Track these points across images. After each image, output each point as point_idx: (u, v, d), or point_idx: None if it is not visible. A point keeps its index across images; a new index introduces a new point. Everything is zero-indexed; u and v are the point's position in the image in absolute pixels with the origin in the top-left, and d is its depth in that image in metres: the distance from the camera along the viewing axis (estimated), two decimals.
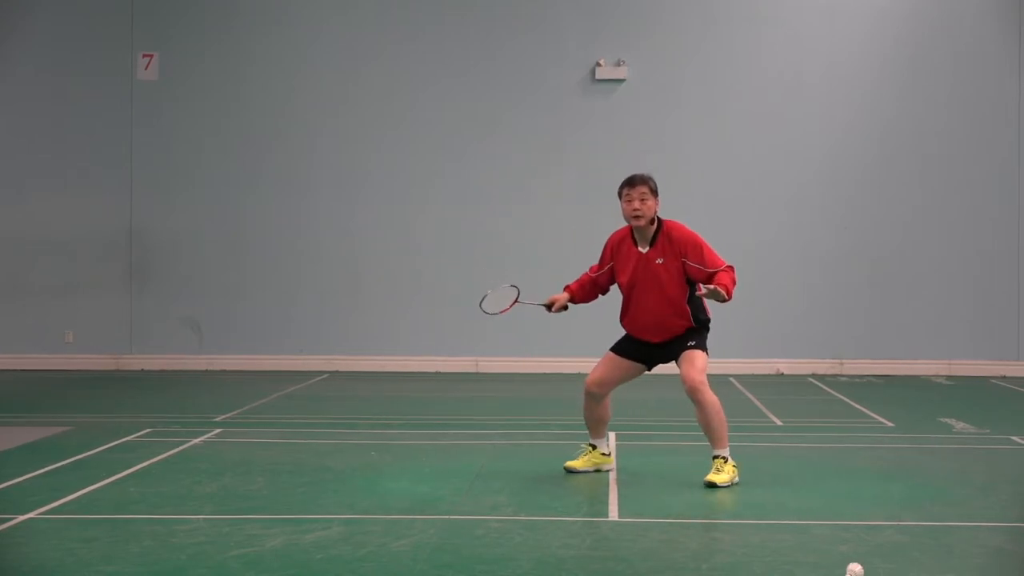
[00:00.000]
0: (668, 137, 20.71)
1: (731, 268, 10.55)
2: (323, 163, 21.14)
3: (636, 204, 10.49)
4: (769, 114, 20.88)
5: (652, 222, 10.59)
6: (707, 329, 10.75)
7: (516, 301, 11.03)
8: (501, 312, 11.10)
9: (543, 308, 10.98)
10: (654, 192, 10.56)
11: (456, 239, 20.92)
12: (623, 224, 10.78)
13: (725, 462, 10.53)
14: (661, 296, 10.53)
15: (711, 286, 10.26)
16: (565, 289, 11.01)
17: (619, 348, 10.91)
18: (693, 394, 10.44)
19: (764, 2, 21.01)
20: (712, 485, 10.37)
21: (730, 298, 10.29)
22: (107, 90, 21.13)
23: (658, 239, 10.58)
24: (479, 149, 21.03)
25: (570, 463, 11.10)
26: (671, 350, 10.68)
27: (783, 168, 20.82)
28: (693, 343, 10.59)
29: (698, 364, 10.50)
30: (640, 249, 10.63)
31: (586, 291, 10.98)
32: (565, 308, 11.00)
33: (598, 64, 20.86)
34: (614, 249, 10.83)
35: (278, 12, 21.22)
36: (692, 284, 10.58)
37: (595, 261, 11.02)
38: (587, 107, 20.92)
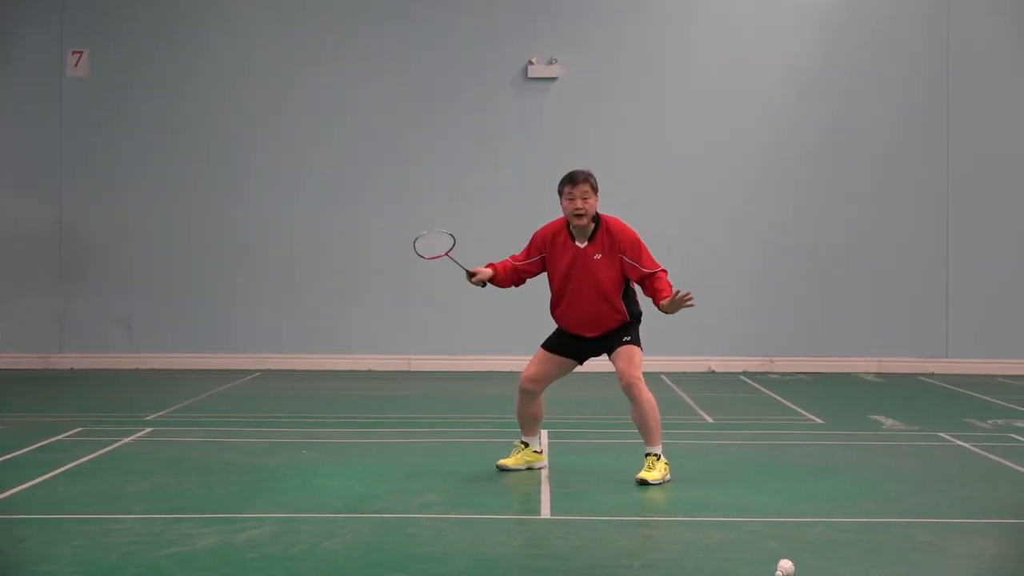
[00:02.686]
0: (601, 135, 20.74)
1: (665, 272, 10.60)
2: (256, 161, 21.04)
3: (578, 203, 10.49)
4: (703, 113, 20.96)
5: (592, 219, 10.62)
6: (639, 322, 10.79)
7: (447, 253, 10.95)
8: (431, 258, 11.02)
9: (465, 273, 10.85)
10: (595, 189, 10.57)
11: (389, 237, 20.82)
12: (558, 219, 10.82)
13: (658, 459, 10.56)
14: (597, 291, 10.55)
15: (671, 299, 10.29)
16: (489, 266, 10.90)
17: (551, 344, 10.91)
18: (629, 391, 10.48)
19: (698, 0, 21.10)
20: (644, 482, 10.40)
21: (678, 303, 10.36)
22: (36, 87, 20.93)
23: (597, 235, 10.59)
24: (412, 148, 20.99)
25: (502, 461, 11.10)
26: (604, 344, 10.72)
27: (716, 167, 20.90)
28: (628, 338, 10.63)
29: (635, 361, 10.54)
30: (578, 244, 10.62)
31: (508, 276, 10.90)
32: (484, 284, 10.90)
33: (530, 62, 20.87)
34: (546, 242, 10.78)
35: (212, 9, 21.10)
36: (628, 280, 10.63)
37: None
38: (520, 105, 20.92)
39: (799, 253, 20.92)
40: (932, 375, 20.39)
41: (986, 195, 20.91)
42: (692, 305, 10.31)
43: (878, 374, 20.52)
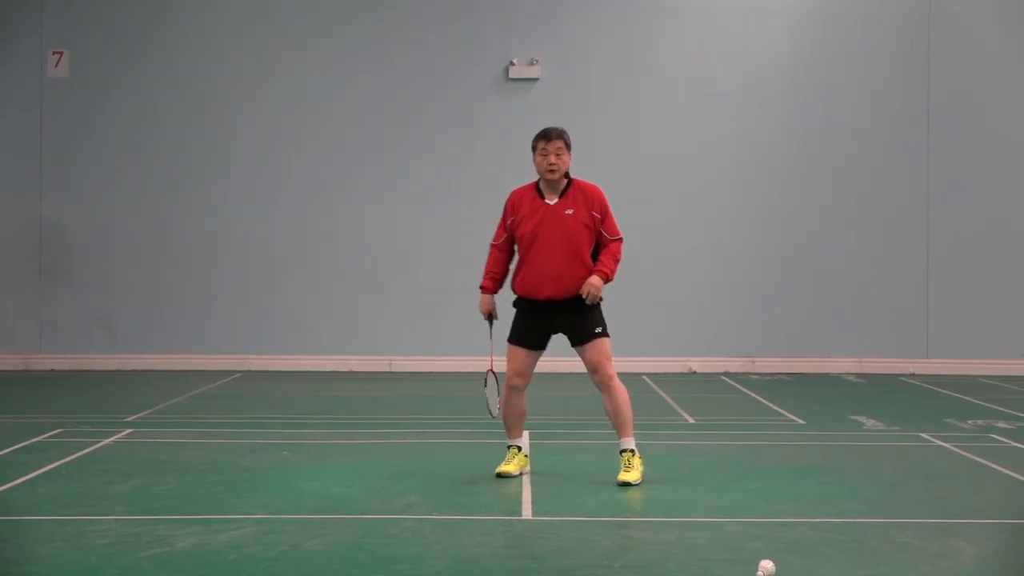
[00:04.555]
0: (582, 136, 20.50)
1: (620, 240, 10.67)
2: (238, 161, 21.00)
3: (552, 159, 10.53)
4: (685, 114, 20.97)
5: (564, 176, 10.65)
6: (601, 299, 10.76)
7: (491, 372, 10.99)
8: (500, 403, 10.92)
9: (490, 327, 10.95)
10: (568, 147, 10.63)
11: (371, 238, 20.86)
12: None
13: (633, 455, 10.55)
14: (567, 245, 10.52)
15: (590, 287, 10.40)
16: (484, 291, 10.88)
17: (516, 338, 10.79)
18: (603, 383, 10.53)
19: (679, 1, 21.09)
20: (626, 484, 10.38)
21: (609, 281, 10.48)
22: (16, 88, 20.87)
23: (569, 191, 10.63)
24: (394, 149, 20.97)
25: (504, 468, 10.81)
26: (569, 322, 10.63)
27: (697, 167, 20.92)
28: (599, 329, 10.57)
29: (605, 352, 10.53)
30: (548, 201, 10.63)
31: (501, 270, 10.93)
32: (494, 306, 10.91)
33: (512, 63, 20.86)
34: (516, 204, 10.79)
35: (192, 10, 21.06)
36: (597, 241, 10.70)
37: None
38: (501, 106, 20.90)
39: (780, 254, 20.94)
40: (913, 375, 20.43)
41: (967, 197, 20.95)
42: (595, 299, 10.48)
43: (859, 374, 20.55)
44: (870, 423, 14.50)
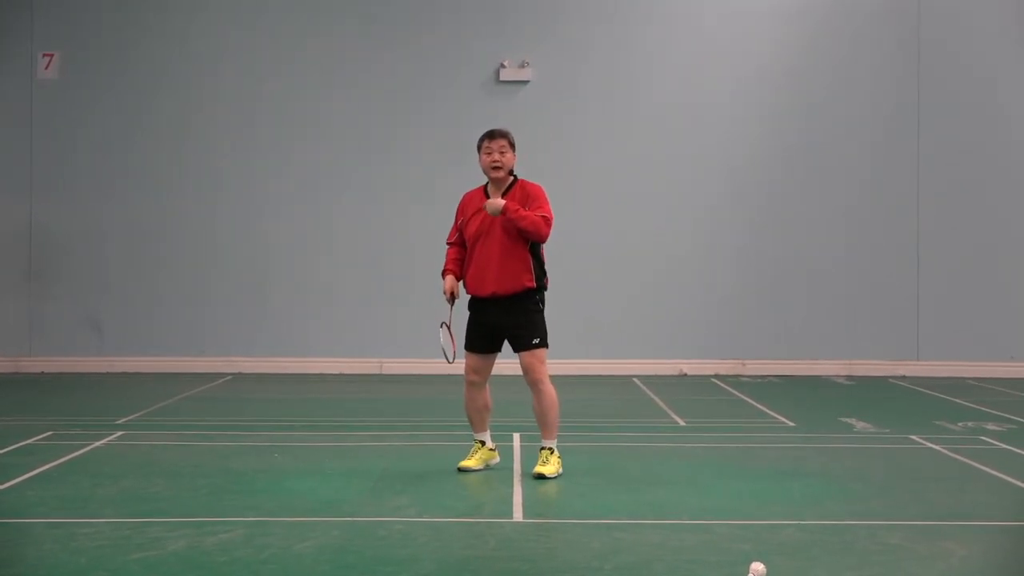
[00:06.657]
0: (572, 139, 20.72)
1: (546, 218, 10.78)
2: (228, 163, 20.97)
3: (496, 156, 10.87)
4: (675, 118, 20.94)
5: (509, 174, 10.93)
6: (543, 304, 11.01)
7: (445, 327, 11.12)
8: (453, 346, 11.10)
9: (450, 307, 11.11)
10: (512, 145, 10.96)
11: (360, 240, 20.84)
12: None
13: (551, 453, 10.95)
14: (508, 243, 10.77)
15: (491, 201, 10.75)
16: (449, 274, 11.12)
17: (468, 344, 11.18)
18: (535, 385, 10.88)
19: (669, 4, 21.09)
20: (542, 476, 10.77)
21: (513, 218, 10.66)
22: (7, 89, 20.84)
23: (513, 190, 10.92)
24: (384, 152, 20.95)
25: (464, 463, 11.24)
26: (514, 327, 10.90)
27: (687, 169, 20.90)
28: (537, 340, 10.88)
29: (539, 357, 10.89)
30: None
31: (460, 262, 11.15)
32: (456, 286, 11.14)
33: (502, 65, 20.86)
34: (465, 206, 11.15)
35: (183, 10, 21.03)
36: (538, 246, 10.92)
37: None
38: (491, 109, 20.83)
39: (770, 257, 20.93)
40: (903, 377, 20.44)
41: (956, 200, 20.95)
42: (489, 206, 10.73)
43: (849, 377, 20.56)
44: (860, 425, 14.51)
